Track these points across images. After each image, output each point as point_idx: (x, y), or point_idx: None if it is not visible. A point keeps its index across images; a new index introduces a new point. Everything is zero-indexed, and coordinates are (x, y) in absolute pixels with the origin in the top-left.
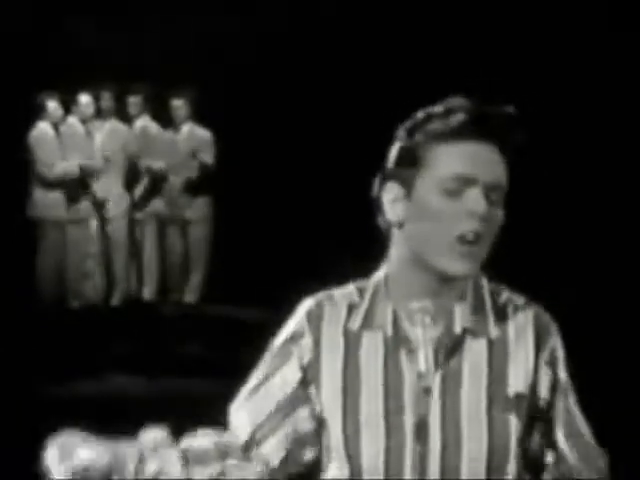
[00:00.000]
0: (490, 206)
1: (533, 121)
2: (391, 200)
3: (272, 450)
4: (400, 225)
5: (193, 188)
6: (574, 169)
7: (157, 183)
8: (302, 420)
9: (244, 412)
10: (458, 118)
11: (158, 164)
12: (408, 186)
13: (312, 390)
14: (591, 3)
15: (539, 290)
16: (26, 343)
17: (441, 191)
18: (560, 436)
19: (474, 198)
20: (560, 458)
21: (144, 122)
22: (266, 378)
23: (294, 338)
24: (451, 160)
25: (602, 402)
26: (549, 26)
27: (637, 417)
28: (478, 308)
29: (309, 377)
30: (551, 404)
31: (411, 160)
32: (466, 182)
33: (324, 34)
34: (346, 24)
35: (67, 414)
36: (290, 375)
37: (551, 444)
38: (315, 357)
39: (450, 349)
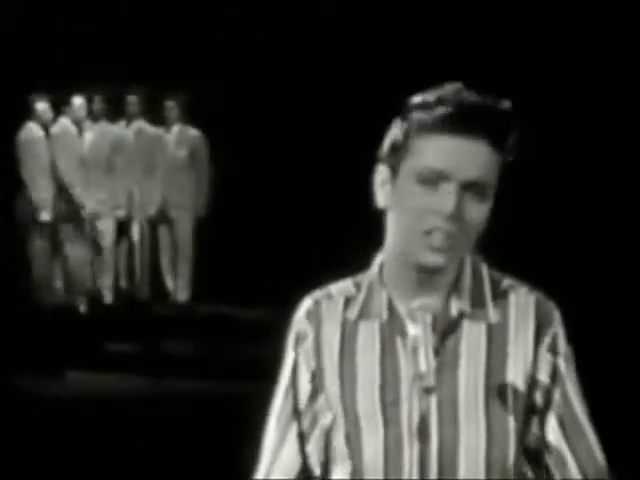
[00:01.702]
0: (467, 203)
1: (531, 117)
2: (380, 183)
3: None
4: (386, 210)
5: (181, 188)
6: (576, 164)
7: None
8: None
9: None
10: (445, 110)
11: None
12: (394, 171)
13: (320, 387)
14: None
15: (542, 280)
16: (23, 343)
17: (417, 181)
18: (554, 425)
19: (444, 196)
20: (552, 449)
21: (139, 123)
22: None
23: (298, 340)
24: (429, 153)
25: (604, 395)
26: (551, 21)
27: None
28: (476, 294)
29: (317, 380)
30: (549, 393)
31: (398, 146)
32: (440, 177)
33: (322, 32)
34: (344, 21)
35: (65, 414)
36: (303, 387)
37: (545, 434)
38: (317, 355)
39: (445, 331)
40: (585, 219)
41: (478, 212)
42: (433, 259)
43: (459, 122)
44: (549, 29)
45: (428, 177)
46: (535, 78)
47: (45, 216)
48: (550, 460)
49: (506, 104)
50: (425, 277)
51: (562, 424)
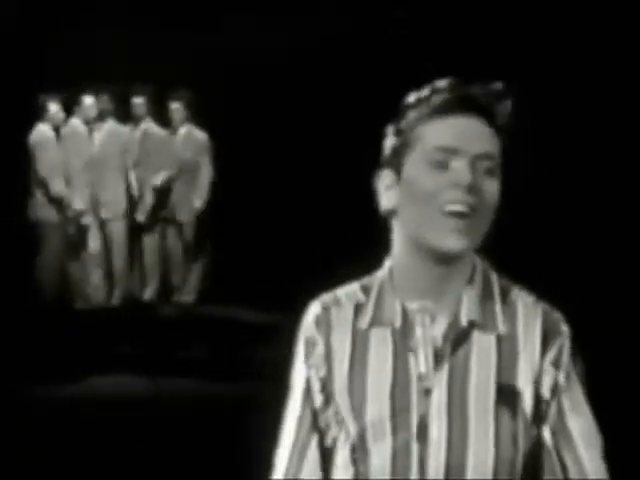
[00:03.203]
0: (480, 177)
1: (530, 120)
2: (385, 188)
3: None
4: (395, 212)
5: (188, 190)
6: (576, 164)
7: (161, 189)
8: None
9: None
10: (441, 97)
11: (165, 175)
12: (398, 170)
13: (329, 396)
14: None
15: (547, 288)
16: (26, 343)
17: (427, 165)
18: (548, 437)
19: (459, 169)
20: (546, 461)
21: (146, 124)
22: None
23: (308, 348)
24: (435, 134)
25: (609, 402)
26: (546, 16)
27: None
28: (486, 302)
29: (326, 389)
30: (548, 405)
31: (398, 145)
32: (451, 154)
33: (322, 32)
34: (344, 21)
35: (66, 415)
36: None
37: (542, 445)
38: (327, 363)
39: (455, 341)
40: (585, 220)
41: (491, 189)
42: (455, 243)
43: (456, 104)
44: (547, 32)
45: (438, 158)
46: (531, 80)
47: (56, 216)
48: (544, 471)
49: (498, 84)
50: (440, 272)
51: (554, 437)
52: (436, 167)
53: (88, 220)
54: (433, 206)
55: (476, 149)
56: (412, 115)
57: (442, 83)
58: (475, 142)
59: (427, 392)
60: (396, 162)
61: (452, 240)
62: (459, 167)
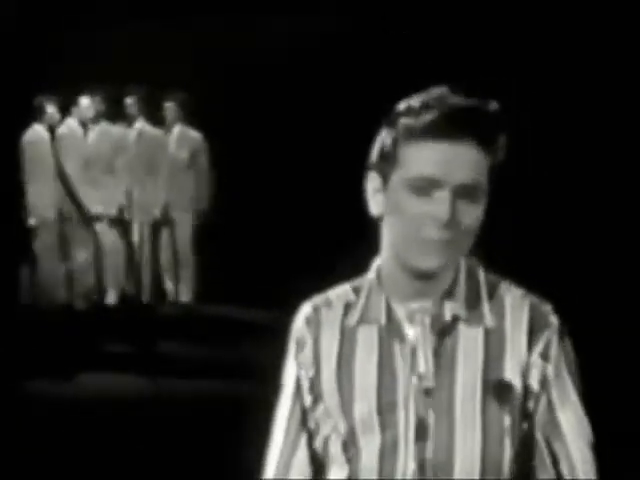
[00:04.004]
0: (462, 206)
1: (526, 118)
2: (372, 191)
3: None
4: (380, 217)
5: (182, 189)
6: (574, 164)
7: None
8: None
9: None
10: (431, 116)
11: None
12: (385, 178)
13: (318, 395)
14: None
15: (541, 284)
16: (25, 344)
17: (410, 190)
18: (538, 429)
19: (440, 201)
20: (537, 452)
21: (140, 124)
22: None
23: (298, 348)
24: (419, 161)
25: (604, 397)
26: (542, 20)
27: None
28: (472, 298)
29: (315, 388)
30: (537, 398)
31: (388, 154)
32: (433, 184)
33: (322, 32)
34: (344, 21)
35: (65, 414)
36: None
37: (533, 441)
38: (315, 362)
39: (441, 335)
40: (583, 219)
41: (472, 215)
42: (429, 265)
43: (446, 127)
44: (540, 28)
45: (420, 185)
46: (530, 78)
47: (32, 221)
48: (535, 464)
49: (493, 105)
50: (421, 282)
51: (544, 429)
52: (419, 194)
53: (84, 219)
54: (412, 229)
55: (461, 179)
56: (402, 126)
57: (435, 95)
58: (461, 171)
59: (427, 392)
60: (383, 170)
61: (430, 261)
62: (440, 199)
